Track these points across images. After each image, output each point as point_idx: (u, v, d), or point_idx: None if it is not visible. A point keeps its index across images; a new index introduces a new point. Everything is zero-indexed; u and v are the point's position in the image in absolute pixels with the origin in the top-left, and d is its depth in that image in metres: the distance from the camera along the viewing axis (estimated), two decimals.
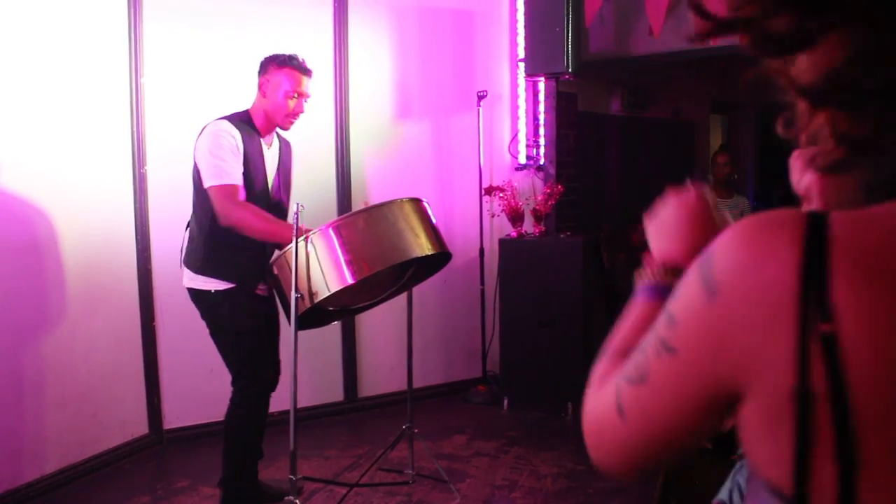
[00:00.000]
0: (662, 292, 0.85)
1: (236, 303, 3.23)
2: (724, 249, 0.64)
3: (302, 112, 3.34)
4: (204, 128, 3.22)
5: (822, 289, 0.56)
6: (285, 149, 3.50)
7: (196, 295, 3.27)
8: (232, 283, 3.21)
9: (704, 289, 0.65)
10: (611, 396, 0.76)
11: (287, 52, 3.32)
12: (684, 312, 0.68)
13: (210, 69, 4.24)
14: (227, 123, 3.19)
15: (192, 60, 4.22)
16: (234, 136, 3.15)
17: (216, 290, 3.21)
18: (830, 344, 0.55)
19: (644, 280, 0.92)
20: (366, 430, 4.55)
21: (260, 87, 3.32)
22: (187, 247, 3.32)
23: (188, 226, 3.36)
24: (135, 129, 4.07)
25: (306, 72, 3.32)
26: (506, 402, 4.87)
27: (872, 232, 0.57)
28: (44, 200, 3.62)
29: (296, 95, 3.28)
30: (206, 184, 3.10)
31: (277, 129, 3.41)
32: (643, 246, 0.97)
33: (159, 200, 4.14)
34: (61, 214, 3.70)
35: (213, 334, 3.31)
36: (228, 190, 3.08)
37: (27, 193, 3.55)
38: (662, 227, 0.95)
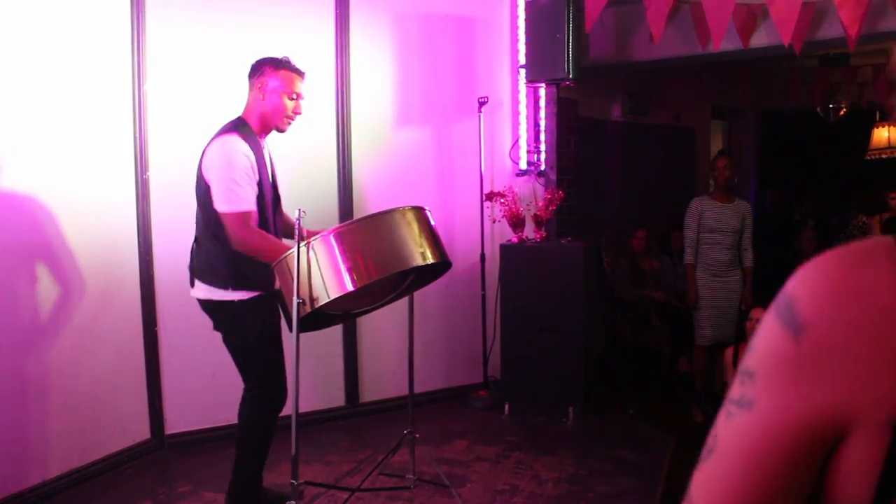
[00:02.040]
0: None
1: (262, 309, 3.22)
2: (805, 285, 0.61)
3: (300, 114, 3.35)
4: (212, 141, 3.21)
5: None
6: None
7: (214, 305, 3.23)
8: (258, 291, 3.21)
9: (788, 330, 0.60)
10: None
11: (286, 57, 3.34)
12: (763, 361, 0.62)
13: (212, 76, 4.26)
14: (238, 140, 3.16)
15: (194, 67, 4.25)
16: (248, 155, 3.15)
17: (240, 300, 3.19)
18: None
19: None
20: (367, 435, 4.56)
21: (256, 89, 3.31)
22: (202, 260, 3.26)
23: (196, 239, 3.32)
24: (137, 135, 4.10)
25: (300, 73, 3.34)
26: (507, 407, 4.88)
27: None
28: (47, 206, 3.64)
29: (294, 96, 3.30)
30: (220, 208, 3.10)
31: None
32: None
33: (161, 206, 4.16)
34: (64, 220, 3.72)
35: (232, 343, 3.28)
36: (243, 217, 3.09)
37: (30, 199, 3.57)
38: None
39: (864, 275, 0.58)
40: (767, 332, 0.62)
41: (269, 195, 3.27)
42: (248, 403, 3.31)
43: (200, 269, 3.26)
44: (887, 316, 0.55)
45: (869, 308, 0.56)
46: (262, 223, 3.21)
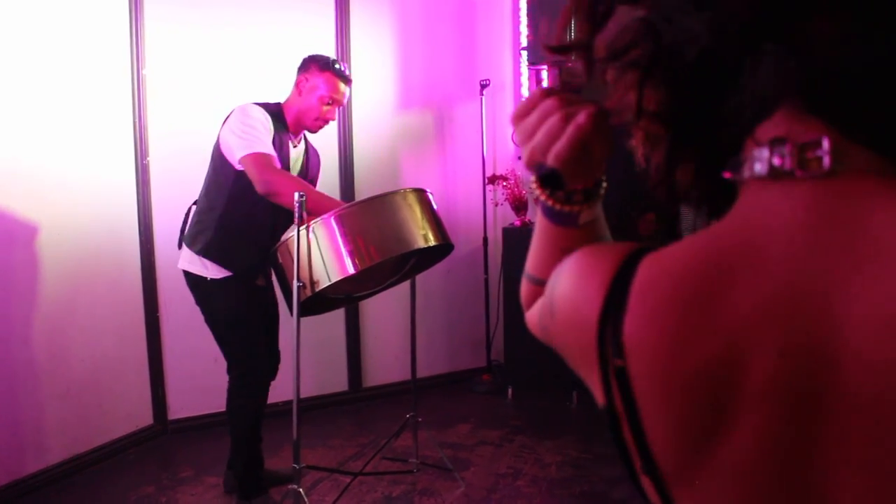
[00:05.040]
0: (562, 217, 0.85)
1: (231, 292, 3.21)
2: (563, 276, 0.67)
3: (332, 119, 3.32)
4: (233, 111, 3.19)
5: (618, 327, 0.59)
6: (313, 155, 3.49)
7: (192, 281, 3.25)
8: (229, 272, 3.20)
9: (549, 306, 0.69)
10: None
11: (324, 53, 3.33)
12: (545, 312, 0.71)
13: (212, 59, 4.23)
14: (258, 107, 3.15)
15: (193, 51, 4.21)
16: (266, 117, 3.12)
17: (212, 279, 3.20)
18: (623, 377, 0.60)
19: (545, 202, 0.84)
20: (370, 420, 4.56)
21: (297, 84, 3.27)
22: (192, 226, 3.27)
23: (195, 204, 3.32)
24: (137, 120, 4.07)
25: (347, 80, 3.28)
26: (510, 391, 4.87)
27: (664, 270, 0.60)
28: (46, 192, 3.62)
29: (331, 102, 3.25)
30: (239, 154, 3.02)
31: (307, 133, 3.39)
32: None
33: (162, 192, 4.14)
34: (64, 206, 3.70)
35: (208, 322, 3.31)
36: (264, 157, 3.01)
37: (29, 185, 3.55)
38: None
39: (589, 282, 0.64)
40: (546, 294, 0.71)
41: None
42: (228, 389, 3.34)
43: (188, 234, 3.28)
44: (589, 327, 0.62)
45: (582, 317, 0.64)
46: (258, 216, 3.19)
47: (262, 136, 3.07)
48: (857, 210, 0.54)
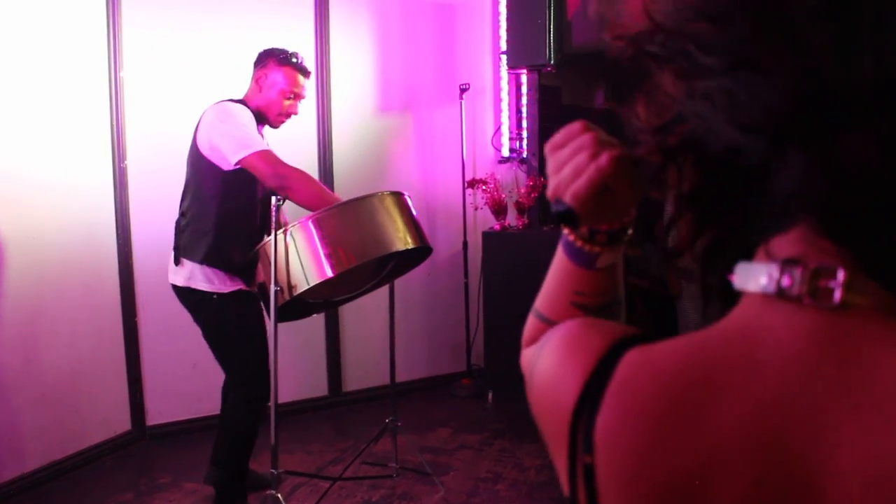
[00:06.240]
0: (581, 256, 0.82)
1: (243, 305, 3.16)
2: (546, 352, 0.66)
3: (295, 113, 3.30)
4: (206, 111, 3.15)
5: (592, 421, 0.57)
6: None
7: (196, 298, 3.15)
8: (236, 284, 3.15)
9: (529, 372, 0.67)
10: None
11: (280, 46, 3.29)
12: (527, 378, 0.70)
13: (190, 61, 4.21)
14: (238, 105, 3.14)
15: (171, 53, 4.19)
16: (250, 114, 3.12)
17: (219, 294, 3.13)
18: (590, 473, 0.57)
19: (568, 237, 0.84)
20: (350, 425, 4.54)
21: (256, 80, 3.26)
22: (188, 235, 3.16)
23: (183, 215, 3.22)
24: (114, 123, 4.05)
25: (305, 73, 3.27)
26: (490, 395, 4.88)
27: (647, 371, 0.57)
28: (22, 196, 3.58)
29: (293, 96, 3.24)
30: (238, 155, 2.96)
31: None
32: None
33: (140, 195, 4.12)
34: (41, 210, 3.67)
35: (213, 338, 3.22)
36: (269, 154, 2.98)
37: (6, 188, 3.51)
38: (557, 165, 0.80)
39: (570, 368, 0.62)
40: (531, 355, 0.69)
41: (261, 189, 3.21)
42: (234, 402, 3.24)
43: (184, 245, 3.17)
44: (563, 416, 0.61)
45: (558, 403, 0.62)
46: (249, 217, 3.17)
47: (255, 133, 3.07)
48: (861, 351, 0.51)
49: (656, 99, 0.62)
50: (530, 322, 0.87)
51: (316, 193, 3.00)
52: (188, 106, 3.87)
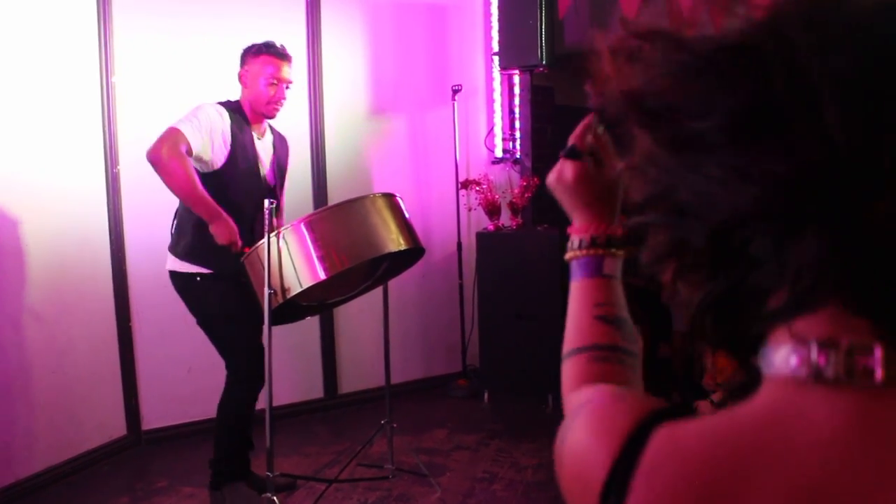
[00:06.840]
0: (588, 266, 0.88)
1: (221, 288, 3.21)
2: (576, 425, 0.64)
3: (283, 98, 3.33)
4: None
5: (621, 500, 0.55)
6: (280, 143, 3.51)
7: (182, 281, 3.24)
8: (214, 270, 3.20)
9: (557, 449, 0.65)
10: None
11: (270, 41, 3.33)
12: (557, 452, 0.67)
13: (182, 66, 4.21)
14: (214, 105, 3.20)
15: (163, 58, 4.19)
16: (221, 114, 3.16)
17: (202, 277, 3.19)
18: None
19: (570, 256, 0.91)
20: (346, 427, 4.54)
21: (240, 79, 3.32)
22: (174, 232, 3.30)
23: (176, 211, 3.33)
24: (106, 128, 4.04)
25: (284, 57, 3.31)
26: (486, 395, 4.88)
27: (677, 455, 0.55)
28: (15, 202, 3.58)
29: (275, 82, 3.26)
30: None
31: (270, 123, 3.42)
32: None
33: (133, 200, 4.11)
34: (33, 216, 3.66)
35: (204, 323, 3.28)
36: (176, 133, 3.02)
37: None
38: (562, 200, 0.93)
39: (597, 444, 0.60)
40: (561, 433, 0.66)
41: (248, 181, 3.23)
42: (226, 379, 3.32)
43: (172, 239, 3.28)
44: (590, 496, 0.59)
45: (584, 483, 0.60)
46: (235, 209, 3.17)
47: (195, 123, 3.08)
48: None
49: (640, 166, 0.59)
50: (566, 368, 0.85)
51: (186, 185, 3.00)
52: (180, 111, 3.86)
